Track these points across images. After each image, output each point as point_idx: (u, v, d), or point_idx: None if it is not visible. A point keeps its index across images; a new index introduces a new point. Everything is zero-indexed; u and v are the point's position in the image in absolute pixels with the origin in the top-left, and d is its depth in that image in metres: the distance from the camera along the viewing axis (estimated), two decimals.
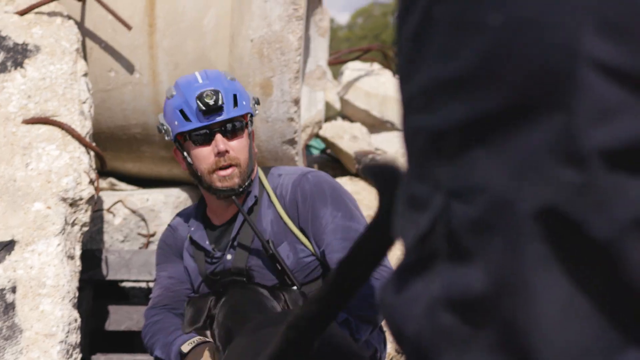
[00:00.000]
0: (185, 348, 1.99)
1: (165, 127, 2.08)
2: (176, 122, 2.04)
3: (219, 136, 2.03)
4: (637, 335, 0.49)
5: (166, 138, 2.10)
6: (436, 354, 0.55)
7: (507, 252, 0.50)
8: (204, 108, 1.99)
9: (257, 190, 2.11)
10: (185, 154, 2.06)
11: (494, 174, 0.51)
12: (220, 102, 2.00)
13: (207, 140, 2.03)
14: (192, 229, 2.17)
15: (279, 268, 2.01)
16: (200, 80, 2.06)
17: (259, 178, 2.14)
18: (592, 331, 0.49)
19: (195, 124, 2.02)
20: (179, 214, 2.31)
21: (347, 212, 2.02)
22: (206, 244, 2.13)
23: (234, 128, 2.04)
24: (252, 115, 2.11)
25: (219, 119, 2.01)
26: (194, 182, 2.17)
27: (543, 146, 0.49)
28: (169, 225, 2.29)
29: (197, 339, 2.02)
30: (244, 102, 2.07)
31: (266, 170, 2.19)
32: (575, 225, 0.48)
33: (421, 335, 0.56)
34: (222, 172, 2.04)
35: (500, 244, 0.51)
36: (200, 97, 2.00)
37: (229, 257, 2.09)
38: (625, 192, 0.47)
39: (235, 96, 2.05)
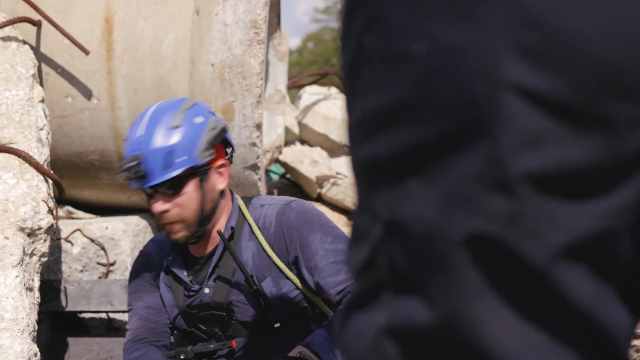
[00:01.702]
0: None
1: None
2: None
3: (157, 196, 1.94)
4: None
5: None
6: None
7: (445, 283, 0.50)
8: (124, 179, 1.92)
9: (234, 221, 2.04)
10: None
11: (426, 204, 0.51)
12: (140, 173, 1.89)
13: (151, 197, 1.96)
14: (170, 258, 2.09)
15: (262, 304, 1.95)
16: (134, 135, 1.94)
17: (239, 209, 2.08)
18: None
19: (132, 185, 1.94)
20: (152, 240, 2.20)
21: (336, 236, 1.97)
22: (184, 275, 2.05)
23: (172, 187, 1.93)
24: (204, 165, 1.95)
25: (146, 185, 1.91)
26: None
27: (471, 175, 0.49)
28: (141, 251, 2.19)
29: None
30: (183, 158, 1.91)
31: (247, 200, 2.11)
32: (508, 253, 0.48)
33: None
34: (167, 227, 1.98)
35: (438, 275, 0.50)
36: (121, 168, 1.91)
37: (206, 290, 2.02)
38: (554, 219, 0.47)
39: (168, 154, 1.90)
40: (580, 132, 0.47)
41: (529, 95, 0.47)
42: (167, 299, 2.09)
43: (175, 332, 2.13)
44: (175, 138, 1.92)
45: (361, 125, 0.55)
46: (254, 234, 2.02)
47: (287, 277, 1.99)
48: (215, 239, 2.03)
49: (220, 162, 2.00)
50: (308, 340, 1.84)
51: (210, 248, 2.06)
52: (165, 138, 1.91)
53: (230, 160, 2.05)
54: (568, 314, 0.48)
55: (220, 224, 2.05)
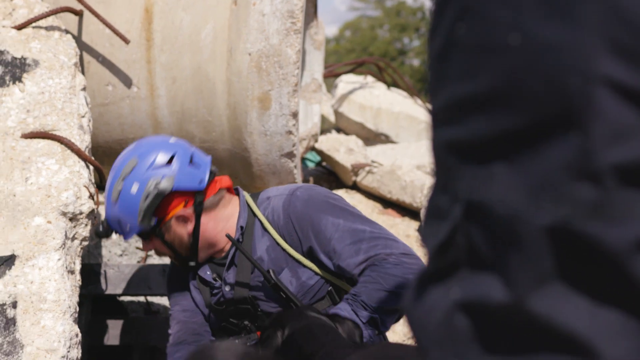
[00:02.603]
0: None
1: None
2: None
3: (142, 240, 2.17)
4: None
5: None
6: (452, 356, 0.56)
7: (524, 265, 0.52)
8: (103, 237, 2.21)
9: (244, 220, 2.08)
10: None
11: (512, 189, 0.52)
12: (104, 233, 2.17)
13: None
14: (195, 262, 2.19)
15: (284, 296, 1.99)
16: (105, 207, 2.16)
17: (248, 206, 2.11)
18: (635, 343, 0.50)
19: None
20: None
21: (347, 216, 1.98)
22: (207, 274, 2.13)
23: (145, 237, 2.14)
24: (154, 228, 2.09)
25: (125, 239, 2.18)
26: None
27: (560, 164, 0.50)
28: None
29: None
30: (128, 227, 2.09)
31: (254, 196, 2.15)
32: (588, 241, 0.49)
33: (440, 340, 0.57)
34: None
35: (517, 257, 0.52)
36: (99, 225, 2.19)
37: (227, 288, 2.08)
38: (638, 209, 0.49)
39: (118, 223, 2.11)
40: None
41: (621, 91, 0.48)
42: (198, 299, 2.18)
43: (212, 331, 2.21)
44: (117, 212, 2.09)
45: (447, 110, 0.57)
46: (265, 228, 2.05)
47: (305, 266, 2.01)
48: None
49: (176, 213, 2.06)
50: (332, 309, 1.89)
51: (227, 248, 2.12)
52: (111, 211, 2.11)
53: (199, 200, 2.07)
54: None
55: (230, 229, 2.10)
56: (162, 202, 2.03)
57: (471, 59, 0.55)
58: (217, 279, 2.11)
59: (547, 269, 0.51)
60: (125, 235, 2.10)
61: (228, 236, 2.01)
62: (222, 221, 2.10)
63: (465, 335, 0.55)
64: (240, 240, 2.07)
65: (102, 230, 2.14)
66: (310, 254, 2.00)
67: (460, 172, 0.56)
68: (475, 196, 0.54)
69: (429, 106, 0.62)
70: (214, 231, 2.09)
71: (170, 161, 2.04)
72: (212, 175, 2.10)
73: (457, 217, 0.56)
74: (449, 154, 0.57)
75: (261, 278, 2.01)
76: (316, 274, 2.02)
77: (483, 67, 0.53)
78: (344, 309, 1.86)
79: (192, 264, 2.12)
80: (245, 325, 2.06)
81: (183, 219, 2.05)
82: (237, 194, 2.17)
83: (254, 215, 2.09)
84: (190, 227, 2.06)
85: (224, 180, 2.14)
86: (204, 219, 2.07)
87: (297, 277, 2.01)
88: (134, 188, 2.02)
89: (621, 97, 0.49)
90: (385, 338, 2.15)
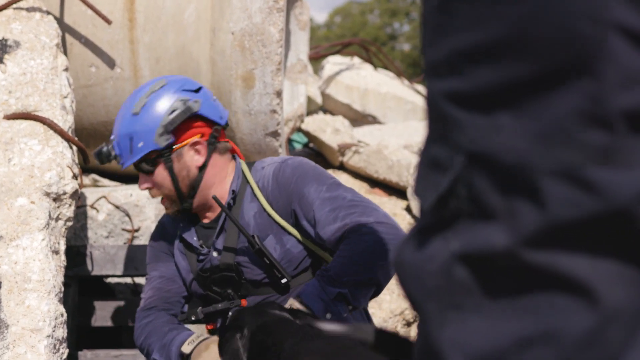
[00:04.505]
0: (187, 348, 1.98)
1: None
2: None
3: (140, 175, 2.11)
4: None
5: None
6: (450, 306, 0.56)
7: (531, 211, 0.52)
8: (101, 160, 2.10)
9: (237, 185, 2.10)
10: None
11: (520, 137, 0.52)
12: (112, 156, 2.08)
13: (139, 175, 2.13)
14: (181, 226, 2.17)
15: (267, 262, 2.00)
16: (117, 116, 2.10)
17: (242, 172, 2.13)
18: (635, 290, 0.51)
19: (119, 163, 2.12)
20: None
21: (331, 185, 1.99)
22: (194, 240, 2.13)
23: (146, 167, 2.07)
24: (165, 148, 2.05)
25: (122, 166, 2.08)
26: None
27: (570, 110, 0.50)
28: (159, 222, 2.29)
29: (195, 336, 2.00)
30: (140, 144, 2.03)
31: (250, 164, 2.17)
32: (597, 187, 0.50)
33: (436, 292, 0.57)
34: (161, 202, 2.16)
35: (524, 203, 0.52)
36: (98, 150, 2.10)
37: (215, 254, 2.08)
38: None
39: (130, 141, 2.05)
40: None
41: (632, 37, 0.48)
42: (182, 265, 2.17)
43: (193, 298, 2.20)
44: (133, 125, 2.03)
45: (447, 62, 0.56)
46: (255, 194, 2.07)
47: (289, 233, 2.03)
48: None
49: (192, 140, 2.06)
50: (299, 291, 1.89)
51: (216, 213, 2.12)
52: (127, 125, 2.04)
53: (214, 136, 2.09)
54: None
55: (222, 190, 2.11)
56: (183, 123, 2.04)
57: (479, 8, 0.54)
58: (203, 245, 2.11)
59: (553, 215, 0.51)
60: (129, 158, 2.05)
61: (214, 198, 2.01)
62: (222, 174, 2.12)
63: (464, 286, 0.55)
64: (232, 204, 2.08)
65: (104, 150, 2.07)
66: (295, 219, 2.02)
67: (461, 123, 0.55)
68: (478, 146, 0.54)
69: (425, 58, 0.61)
70: (215, 178, 2.11)
71: (197, 90, 2.08)
72: (226, 124, 2.14)
73: (459, 168, 0.55)
74: (448, 105, 0.57)
75: (247, 244, 2.02)
76: (300, 242, 2.02)
77: (492, 15, 0.53)
78: (308, 293, 1.85)
79: (185, 206, 2.09)
80: (228, 294, 2.06)
81: (196, 150, 2.07)
82: (234, 159, 2.18)
83: (247, 181, 2.10)
84: (200, 160, 2.08)
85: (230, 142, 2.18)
86: (212, 160, 2.10)
87: (282, 244, 2.02)
88: (161, 102, 2.02)
89: (632, 43, 0.49)
90: (367, 314, 2.15)
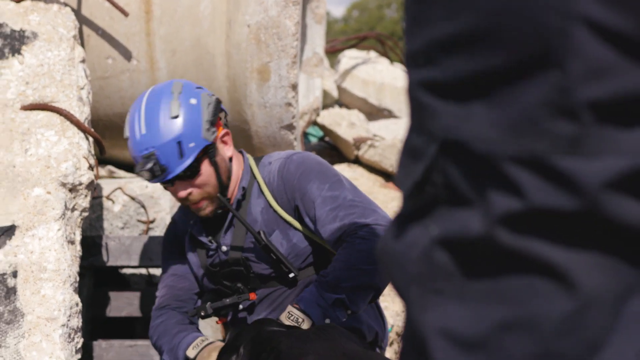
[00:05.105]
0: (191, 353, 2.00)
1: None
2: None
3: (177, 184, 2.01)
4: None
5: None
6: (432, 291, 0.57)
7: (502, 196, 0.53)
8: (147, 179, 1.98)
9: (246, 181, 2.11)
10: None
11: (490, 126, 0.54)
12: (158, 171, 1.96)
13: (170, 185, 2.04)
14: (191, 223, 2.19)
15: (274, 257, 2.01)
16: (137, 135, 1.98)
17: (250, 168, 2.14)
18: (612, 277, 0.51)
19: (153, 181, 2.00)
20: (179, 207, 2.32)
21: (334, 183, 2.00)
22: (203, 236, 2.15)
23: (190, 171, 1.99)
24: (212, 142, 2.01)
25: (167, 178, 1.98)
26: None
27: (538, 101, 0.52)
28: (171, 219, 2.32)
29: (200, 340, 2.02)
30: (192, 144, 1.97)
31: (257, 160, 2.18)
32: (565, 175, 0.51)
33: (419, 277, 0.58)
34: (194, 207, 2.06)
35: (494, 189, 0.54)
36: (139, 172, 1.97)
37: (224, 248, 2.10)
38: (615, 143, 0.50)
39: (179, 144, 1.96)
40: None
41: (598, 29, 0.49)
42: (193, 261, 2.19)
43: (205, 293, 2.22)
44: (179, 127, 1.96)
45: (425, 52, 0.58)
46: (262, 190, 2.08)
47: (295, 228, 2.04)
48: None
49: (222, 132, 2.07)
50: (297, 298, 1.90)
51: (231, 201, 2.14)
52: (170, 130, 1.96)
53: (226, 125, 2.11)
54: (619, 236, 0.51)
55: (236, 183, 2.12)
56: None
57: (451, 1, 0.55)
58: (212, 241, 2.13)
59: (523, 203, 0.52)
60: (178, 164, 1.96)
61: (220, 197, 2.02)
62: (241, 166, 2.15)
63: (444, 271, 0.56)
64: (242, 200, 2.10)
65: (151, 166, 1.94)
66: (298, 215, 2.04)
67: (436, 112, 0.57)
68: (451, 134, 0.55)
69: (406, 49, 0.62)
70: (239, 169, 2.14)
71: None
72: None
73: (433, 155, 0.57)
74: (425, 94, 0.58)
75: (253, 240, 2.03)
76: (306, 237, 2.03)
77: (466, 6, 0.54)
78: (306, 300, 1.85)
79: (224, 201, 2.05)
80: (238, 287, 2.08)
81: (224, 141, 2.09)
82: (241, 155, 2.19)
83: (254, 177, 2.11)
84: (229, 151, 2.10)
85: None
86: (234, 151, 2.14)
87: (288, 240, 2.03)
88: (193, 101, 2.01)
89: (599, 36, 0.50)
90: (379, 308, 2.16)
